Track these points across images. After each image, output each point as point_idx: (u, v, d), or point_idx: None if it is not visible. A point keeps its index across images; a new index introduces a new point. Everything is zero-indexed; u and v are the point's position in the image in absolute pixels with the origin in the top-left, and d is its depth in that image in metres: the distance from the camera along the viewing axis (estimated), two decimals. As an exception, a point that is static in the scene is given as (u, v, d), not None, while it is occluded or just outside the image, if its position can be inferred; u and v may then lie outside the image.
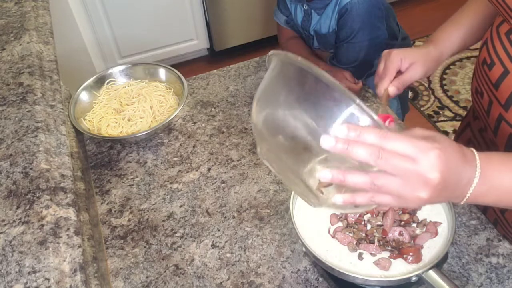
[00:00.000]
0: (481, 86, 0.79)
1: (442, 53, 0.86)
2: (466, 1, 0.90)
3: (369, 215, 0.75)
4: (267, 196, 0.92)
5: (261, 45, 2.71)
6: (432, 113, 2.37)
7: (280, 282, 0.78)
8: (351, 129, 0.49)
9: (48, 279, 0.57)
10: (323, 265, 0.69)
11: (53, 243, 0.61)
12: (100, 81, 1.15)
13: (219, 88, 1.20)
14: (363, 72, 1.21)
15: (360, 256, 0.70)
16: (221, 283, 0.79)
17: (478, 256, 0.78)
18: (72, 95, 1.10)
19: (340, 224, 0.75)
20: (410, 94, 2.43)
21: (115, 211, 0.93)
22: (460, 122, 1.05)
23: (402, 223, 0.73)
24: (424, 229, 0.72)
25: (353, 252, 0.71)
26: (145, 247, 0.86)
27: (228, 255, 0.83)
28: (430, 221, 0.73)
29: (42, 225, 0.63)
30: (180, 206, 0.93)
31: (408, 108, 1.46)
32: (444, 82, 2.55)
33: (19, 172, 0.70)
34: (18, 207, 0.65)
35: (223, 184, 0.96)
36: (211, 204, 0.92)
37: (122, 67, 1.18)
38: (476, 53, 0.82)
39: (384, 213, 0.74)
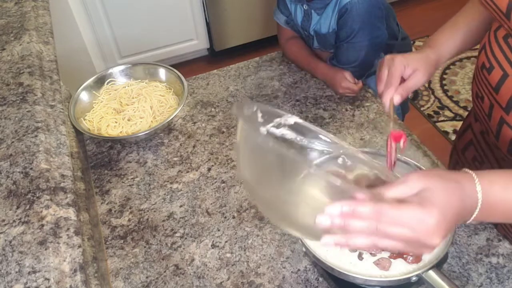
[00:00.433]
0: (481, 90, 0.79)
1: (440, 57, 0.87)
2: (466, 2, 0.90)
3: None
4: (267, 196, 0.92)
5: (261, 45, 2.71)
6: (432, 113, 2.37)
7: (280, 282, 0.78)
8: (344, 205, 0.50)
9: (48, 279, 0.57)
10: (323, 265, 0.69)
11: (53, 243, 0.61)
12: (100, 81, 1.15)
13: (219, 88, 1.20)
14: (363, 72, 1.20)
15: (360, 256, 0.70)
16: (221, 283, 0.79)
17: (478, 256, 0.78)
18: (72, 95, 1.10)
19: (340, 224, 0.75)
20: (410, 94, 2.43)
21: (115, 211, 0.93)
22: (460, 122, 1.05)
23: (402, 223, 0.73)
24: (424, 229, 0.72)
25: (353, 252, 0.71)
26: (145, 247, 0.86)
27: (228, 255, 0.83)
28: (430, 221, 0.73)
29: (42, 225, 0.63)
30: (180, 206, 0.93)
31: (408, 108, 1.46)
32: (444, 82, 2.55)
33: (19, 172, 0.70)
34: (18, 207, 0.65)
35: (223, 184, 0.96)
36: (211, 204, 0.92)
37: (122, 67, 1.18)
38: (476, 53, 0.82)
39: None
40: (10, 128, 0.77)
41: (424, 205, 0.50)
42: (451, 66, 2.63)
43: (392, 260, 0.69)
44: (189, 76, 1.22)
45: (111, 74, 1.16)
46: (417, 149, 0.99)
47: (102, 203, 0.95)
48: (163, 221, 0.90)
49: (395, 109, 1.36)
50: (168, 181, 0.98)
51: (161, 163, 1.02)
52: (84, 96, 1.11)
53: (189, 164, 1.01)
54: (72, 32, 2.22)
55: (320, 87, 1.19)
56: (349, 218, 0.49)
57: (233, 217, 0.89)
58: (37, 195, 0.66)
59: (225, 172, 0.98)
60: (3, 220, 0.64)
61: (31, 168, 0.70)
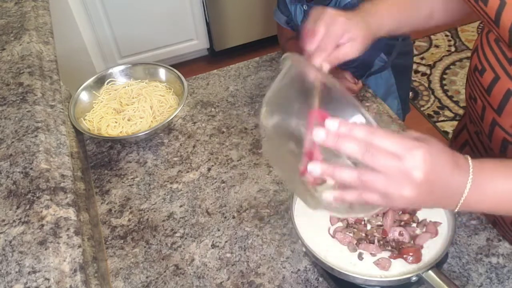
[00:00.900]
0: (474, 91, 0.79)
1: (379, 31, 0.77)
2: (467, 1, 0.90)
3: (369, 215, 0.75)
4: (267, 196, 0.92)
5: (261, 45, 2.71)
6: (432, 113, 2.37)
7: (280, 282, 0.78)
8: (342, 125, 0.50)
9: (48, 279, 0.57)
10: (323, 265, 0.69)
11: (53, 243, 0.61)
12: (100, 81, 1.15)
13: (219, 88, 1.20)
14: (363, 72, 1.21)
15: (360, 256, 0.70)
16: (221, 283, 0.79)
17: (478, 256, 0.78)
18: (72, 95, 1.10)
19: (340, 224, 0.75)
20: (410, 94, 2.43)
21: (115, 211, 0.93)
22: (459, 123, 1.05)
23: (402, 223, 0.73)
24: (424, 229, 0.72)
25: (353, 252, 0.71)
26: (145, 247, 0.86)
27: (228, 255, 0.83)
28: (430, 221, 0.73)
29: (42, 225, 0.63)
30: (180, 206, 0.93)
31: (409, 109, 1.46)
32: (444, 82, 2.55)
33: (19, 172, 0.70)
34: (18, 207, 0.65)
35: (223, 184, 0.96)
36: (211, 204, 0.92)
37: (122, 67, 1.18)
38: (475, 54, 0.83)
39: (384, 213, 0.74)
40: (10, 128, 0.77)
41: (418, 140, 0.51)
42: (451, 66, 2.64)
43: (392, 260, 0.69)
44: (189, 76, 1.22)
45: (111, 74, 1.16)
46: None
47: (102, 203, 0.95)
48: (163, 221, 0.90)
49: (395, 108, 1.36)
50: (168, 181, 0.98)
51: (161, 163, 1.02)
52: (84, 96, 1.11)
53: (189, 164, 1.01)
54: (72, 32, 2.22)
55: (320, 87, 1.19)
56: (343, 138, 0.50)
57: (233, 217, 0.89)
58: (37, 195, 0.66)
59: (225, 172, 0.98)
60: (3, 220, 0.64)
61: (31, 168, 0.70)
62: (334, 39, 0.70)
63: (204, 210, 0.91)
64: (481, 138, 0.86)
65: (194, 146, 1.05)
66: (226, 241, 0.85)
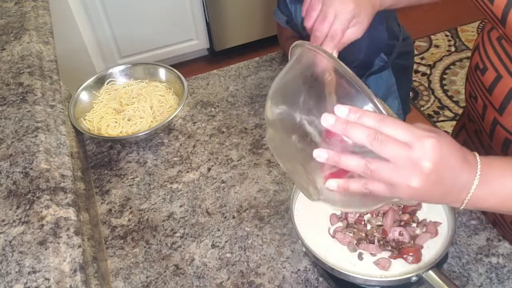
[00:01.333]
0: (474, 90, 0.78)
1: (381, 6, 0.76)
2: (468, 1, 0.90)
3: (369, 215, 0.75)
4: (267, 196, 0.92)
5: (261, 45, 2.71)
6: (432, 113, 2.37)
7: (280, 282, 0.78)
8: (352, 111, 0.49)
9: (48, 279, 0.57)
10: (323, 265, 0.69)
11: (53, 243, 0.61)
12: (100, 81, 1.15)
13: (219, 88, 1.20)
14: (363, 72, 1.20)
15: (360, 256, 0.70)
16: (221, 283, 0.79)
17: (478, 256, 0.78)
18: (72, 95, 1.10)
19: (340, 224, 0.75)
20: (411, 94, 2.43)
21: (115, 211, 0.93)
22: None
23: (402, 223, 0.73)
24: (424, 229, 0.72)
25: (353, 252, 0.71)
26: (145, 247, 0.86)
27: (228, 255, 0.83)
28: (430, 221, 0.73)
29: (42, 225, 0.63)
30: (180, 206, 0.93)
31: (409, 109, 1.46)
32: (444, 82, 2.55)
33: (19, 172, 0.70)
34: (18, 207, 0.65)
35: (223, 184, 0.96)
36: (211, 204, 0.93)
37: (122, 67, 1.18)
38: (475, 53, 0.82)
39: (384, 213, 0.74)
40: (10, 128, 0.77)
41: (428, 130, 0.49)
42: (451, 66, 2.64)
43: (392, 260, 0.69)
44: (189, 76, 1.22)
45: (111, 74, 1.16)
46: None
47: (102, 203, 0.95)
48: (163, 221, 0.90)
49: (396, 108, 1.36)
50: (168, 181, 0.98)
51: (161, 163, 1.02)
52: (84, 96, 1.11)
53: (189, 164, 1.01)
54: (72, 32, 2.23)
55: (320, 87, 1.19)
56: (352, 125, 0.49)
57: (233, 217, 0.89)
58: (37, 195, 0.66)
59: (225, 172, 0.98)
60: (3, 220, 0.64)
61: (31, 168, 0.70)
62: (343, 26, 0.69)
63: (204, 210, 0.91)
64: (481, 138, 0.86)
65: (194, 146, 1.05)
66: (226, 241, 0.85)
